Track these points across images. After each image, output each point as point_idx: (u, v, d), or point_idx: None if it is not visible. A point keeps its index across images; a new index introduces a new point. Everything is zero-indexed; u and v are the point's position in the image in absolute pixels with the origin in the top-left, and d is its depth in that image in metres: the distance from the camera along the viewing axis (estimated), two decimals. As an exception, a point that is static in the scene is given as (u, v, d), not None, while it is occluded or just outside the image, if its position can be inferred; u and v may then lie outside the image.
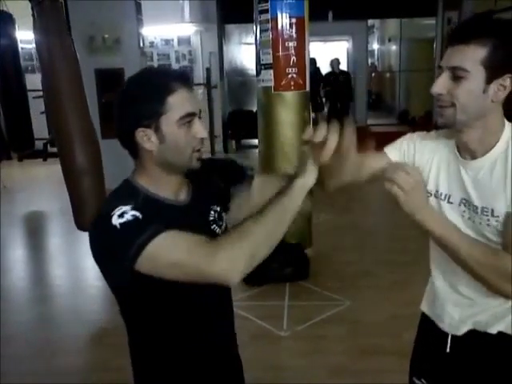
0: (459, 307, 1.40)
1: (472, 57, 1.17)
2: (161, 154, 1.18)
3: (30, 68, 9.08)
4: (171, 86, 1.16)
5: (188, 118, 1.18)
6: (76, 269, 4.62)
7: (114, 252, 1.13)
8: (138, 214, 1.12)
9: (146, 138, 1.17)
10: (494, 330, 1.34)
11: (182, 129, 1.18)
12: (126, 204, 1.14)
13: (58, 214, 5.94)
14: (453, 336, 1.42)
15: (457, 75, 1.19)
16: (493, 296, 1.31)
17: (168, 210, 1.23)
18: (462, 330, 1.40)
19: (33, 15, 3.76)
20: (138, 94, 1.17)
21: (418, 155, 1.41)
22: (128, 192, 1.21)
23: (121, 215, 1.11)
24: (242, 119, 9.89)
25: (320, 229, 4.78)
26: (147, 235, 1.09)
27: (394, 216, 5.97)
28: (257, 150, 4.91)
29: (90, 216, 3.81)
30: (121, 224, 1.10)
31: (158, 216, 1.15)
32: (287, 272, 3.96)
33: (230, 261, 1.10)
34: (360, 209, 5.90)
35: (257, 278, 3.92)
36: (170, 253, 1.11)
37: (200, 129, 1.20)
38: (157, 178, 1.22)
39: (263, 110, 4.19)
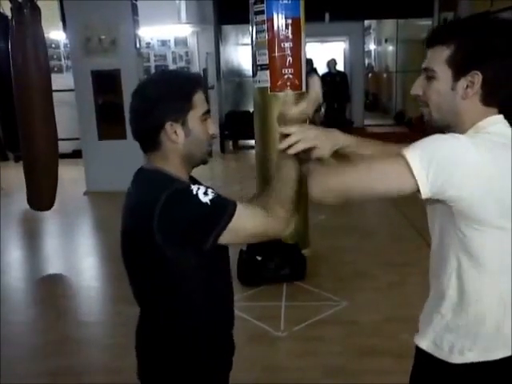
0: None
1: (438, 57, 1.23)
2: (185, 146, 1.33)
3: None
4: (194, 87, 1.34)
5: (207, 114, 1.36)
6: (74, 270, 4.61)
7: (204, 224, 1.25)
8: (214, 192, 1.29)
9: (173, 132, 1.31)
10: (419, 341, 1.34)
11: (202, 125, 1.35)
12: (190, 185, 1.29)
13: (57, 215, 5.93)
14: None
15: (428, 76, 1.26)
16: (434, 296, 1.32)
17: None
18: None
19: (11, 20, 4.36)
20: (166, 92, 1.30)
21: None
22: (167, 177, 1.32)
23: (205, 193, 1.26)
24: (238, 120, 9.89)
25: (317, 229, 4.79)
26: (229, 212, 1.25)
27: (391, 217, 5.96)
28: (253, 151, 4.91)
29: (43, 200, 5.12)
30: (210, 200, 1.25)
31: None
32: (284, 272, 3.96)
33: (284, 220, 1.32)
34: (357, 210, 5.89)
35: (254, 278, 3.92)
36: (245, 224, 1.28)
37: (213, 126, 1.39)
38: (178, 167, 1.36)
39: (260, 110, 4.19)
